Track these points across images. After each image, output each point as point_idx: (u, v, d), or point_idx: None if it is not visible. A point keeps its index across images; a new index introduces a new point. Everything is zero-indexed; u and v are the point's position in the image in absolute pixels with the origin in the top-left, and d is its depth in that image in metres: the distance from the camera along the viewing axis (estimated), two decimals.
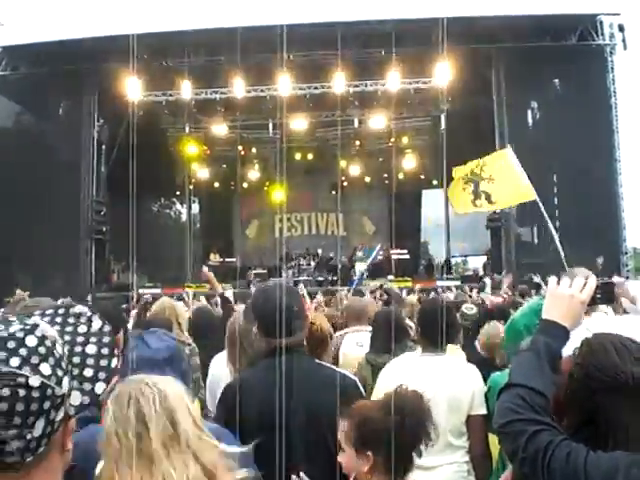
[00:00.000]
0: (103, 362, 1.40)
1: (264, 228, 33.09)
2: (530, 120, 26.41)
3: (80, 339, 1.40)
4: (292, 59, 24.21)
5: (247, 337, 3.84)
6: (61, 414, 1.28)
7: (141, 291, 22.17)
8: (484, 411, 4.21)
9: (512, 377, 2.21)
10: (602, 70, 24.90)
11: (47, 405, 1.23)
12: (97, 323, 1.45)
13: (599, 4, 24.31)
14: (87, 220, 26.13)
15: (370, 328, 6.19)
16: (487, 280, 14.68)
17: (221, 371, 4.57)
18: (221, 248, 30.66)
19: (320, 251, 29.13)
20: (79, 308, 1.48)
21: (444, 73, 23.30)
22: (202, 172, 30.54)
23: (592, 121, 23.98)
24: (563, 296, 2.32)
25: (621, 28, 24.68)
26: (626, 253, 24.34)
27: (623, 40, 24.73)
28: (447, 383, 4.21)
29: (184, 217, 34.05)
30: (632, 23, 25.48)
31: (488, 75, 25.25)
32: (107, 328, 1.45)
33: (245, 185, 30.90)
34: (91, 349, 1.39)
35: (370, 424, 2.46)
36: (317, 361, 3.33)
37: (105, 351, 1.41)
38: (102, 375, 1.38)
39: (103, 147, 27.41)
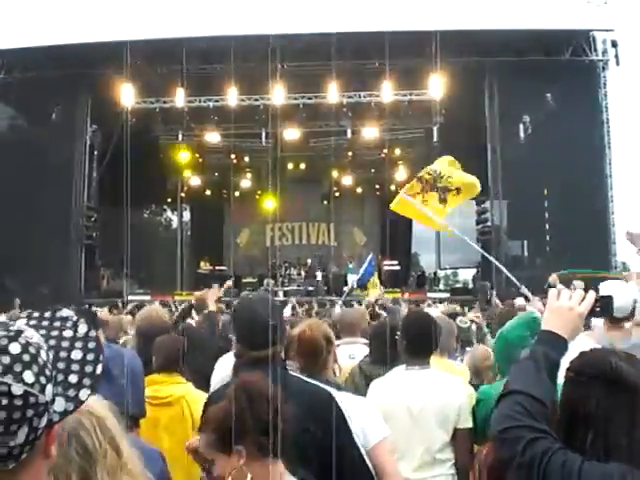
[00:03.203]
0: (88, 368, 1.37)
1: (255, 237, 33.08)
2: (522, 134, 26.50)
3: (65, 344, 1.38)
4: (286, 69, 24.27)
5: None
6: (44, 421, 1.26)
7: (131, 297, 22.12)
8: (470, 424, 4.22)
9: (512, 384, 2.24)
10: (595, 85, 25.09)
11: (30, 413, 1.22)
12: (83, 328, 1.42)
13: (593, 20, 24.47)
14: (77, 226, 26.05)
15: (363, 340, 6.20)
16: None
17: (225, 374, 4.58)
18: (211, 256, 30.62)
19: (310, 261, 29.12)
20: (65, 312, 1.46)
21: (437, 86, 23.42)
22: (194, 180, 30.49)
23: (584, 136, 24.14)
24: (562, 308, 2.36)
25: (614, 44, 24.88)
26: (616, 267, 24.42)
27: (616, 56, 24.94)
28: (434, 397, 4.22)
29: (175, 224, 34.02)
30: (625, 39, 25.68)
31: (481, 88, 25.35)
32: (93, 333, 1.43)
33: (237, 194, 30.85)
34: (76, 354, 1.37)
35: (224, 422, 2.41)
36: (293, 374, 3.27)
37: (90, 357, 1.39)
38: (87, 381, 1.36)
39: (95, 153, 27.37)
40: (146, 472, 1.90)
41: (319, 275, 27.89)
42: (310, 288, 26.15)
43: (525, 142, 26.15)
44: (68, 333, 1.40)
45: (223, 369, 4.95)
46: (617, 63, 25.09)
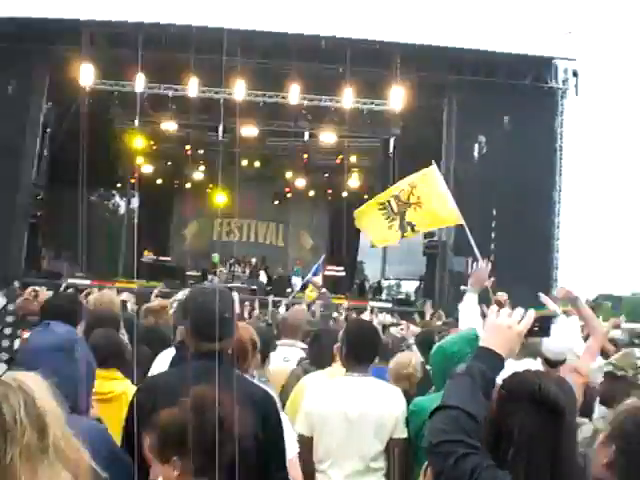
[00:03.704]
0: (5, 342, 1.33)
1: (202, 230, 32.83)
2: (476, 153, 26.76)
3: None
4: (249, 65, 24.15)
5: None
6: None
7: (71, 281, 21.76)
8: (405, 435, 4.20)
9: (447, 399, 2.23)
10: (552, 112, 25.51)
11: None
12: (1, 301, 1.38)
13: (556, 48, 24.90)
14: (23, 203, 25.56)
15: (301, 345, 6.19)
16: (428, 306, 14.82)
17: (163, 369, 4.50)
18: (156, 246, 30.30)
19: (254, 260, 29.01)
20: None
21: (398, 97, 23.55)
22: (146, 167, 30.09)
23: (537, 161, 24.54)
24: (501, 326, 2.37)
25: (575, 73, 25.34)
26: (555, 294, 24.79)
27: (576, 85, 25.40)
28: (372, 405, 4.21)
29: (122, 210, 33.62)
30: (586, 70, 26.19)
31: (440, 104, 25.59)
32: (11, 307, 1.38)
33: (188, 185, 30.54)
34: None
35: (167, 430, 2.38)
36: (237, 372, 3.20)
37: (7, 331, 1.34)
38: (4, 356, 1.32)
39: (48, 130, 26.88)
40: (84, 457, 1.81)
41: (263, 275, 27.82)
42: (253, 287, 26.04)
43: (479, 161, 26.40)
44: None
45: (163, 362, 4.90)
46: (576, 93, 25.57)
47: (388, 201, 8.86)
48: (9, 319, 1.26)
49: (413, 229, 8.70)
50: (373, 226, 9.16)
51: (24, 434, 1.66)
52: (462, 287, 7.43)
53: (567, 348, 4.61)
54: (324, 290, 16.45)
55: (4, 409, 1.67)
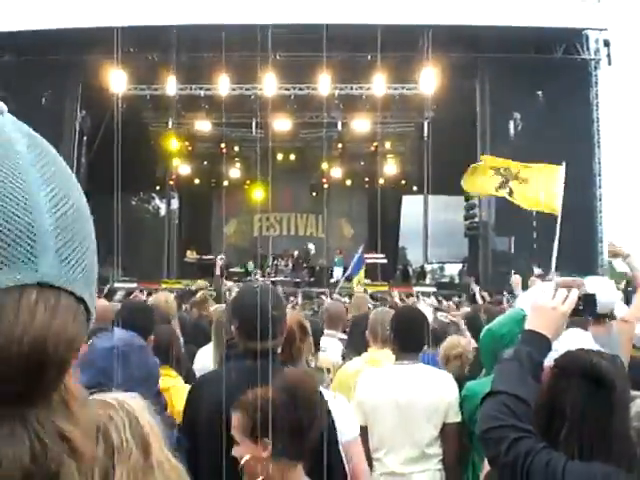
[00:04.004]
0: None
1: (243, 227, 33.02)
2: (512, 131, 26.53)
3: None
4: (278, 59, 24.21)
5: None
6: None
7: (117, 285, 22.04)
8: (459, 419, 4.21)
9: (496, 384, 2.24)
10: (586, 84, 25.14)
11: None
12: None
13: (586, 19, 24.49)
14: None
15: (341, 335, 6.21)
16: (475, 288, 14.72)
17: (207, 364, 4.58)
18: (199, 245, 30.54)
19: (297, 252, 29.05)
20: None
21: (429, 80, 23.40)
22: (183, 168, 30.35)
23: (574, 134, 24.19)
24: (546, 308, 2.36)
25: (607, 43, 24.93)
26: (602, 266, 24.52)
27: (608, 55, 24.99)
28: (423, 391, 4.22)
29: (163, 212, 33.87)
30: (618, 39, 25.78)
31: (473, 84, 25.38)
32: None
33: (226, 183, 30.70)
34: None
35: (262, 410, 2.39)
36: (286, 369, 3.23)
37: None
38: None
39: (84, 138, 27.24)
40: (183, 476, 1.79)
41: (305, 267, 27.86)
42: (297, 280, 26.12)
43: (515, 139, 26.18)
44: None
45: (204, 357, 4.97)
46: (609, 62, 25.16)
47: (498, 167, 9.81)
48: None
49: (511, 195, 9.44)
50: (478, 176, 10.21)
51: (131, 454, 1.66)
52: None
53: (611, 302, 4.55)
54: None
55: (111, 430, 1.67)
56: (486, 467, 2.88)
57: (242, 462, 2.46)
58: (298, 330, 3.80)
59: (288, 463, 2.45)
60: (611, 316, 4.44)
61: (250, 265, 27.16)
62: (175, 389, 4.22)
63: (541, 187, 9.29)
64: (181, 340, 5.74)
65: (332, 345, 6.02)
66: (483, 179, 10.27)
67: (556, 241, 9.56)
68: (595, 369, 2.09)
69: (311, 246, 29.19)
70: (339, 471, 2.99)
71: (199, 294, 8.53)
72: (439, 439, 4.24)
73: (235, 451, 2.50)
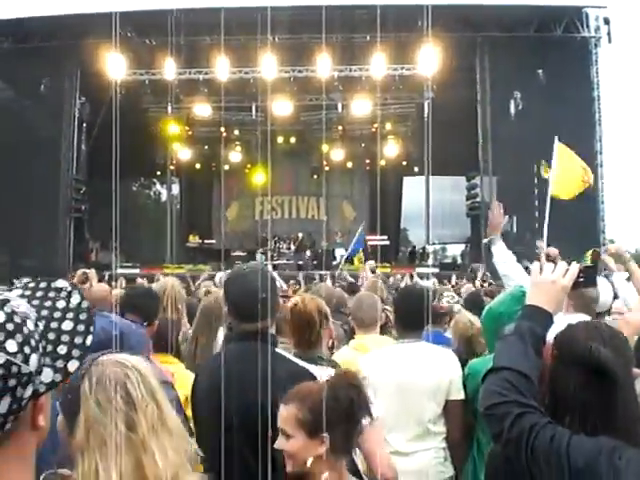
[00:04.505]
0: (78, 339, 1.36)
1: (244, 210, 33.00)
2: (513, 110, 26.47)
3: (57, 314, 1.37)
4: (277, 41, 24.10)
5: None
6: (29, 391, 1.24)
7: (119, 271, 22.07)
8: (462, 396, 4.21)
9: (497, 360, 2.23)
10: (586, 62, 25.06)
11: (12, 382, 1.20)
12: (76, 298, 1.41)
13: None
14: (66, 198, 25.99)
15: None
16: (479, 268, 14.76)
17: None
18: (200, 230, 30.60)
19: (301, 235, 29.08)
20: (61, 282, 1.45)
21: (429, 60, 23.29)
22: (183, 153, 30.32)
23: (575, 113, 24.13)
24: (546, 282, 2.35)
25: (606, 21, 24.82)
26: (604, 245, 24.51)
27: (608, 33, 24.88)
28: (426, 370, 4.22)
29: (164, 197, 33.94)
30: (618, 16, 25.66)
31: (473, 64, 25.31)
32: (85, 304, 1.42)
33: (226, 167, 30.68)
34: (67, 325, 1.36)
35: (324, 406, 2.38)
36: (279, 352, 3.19)
37: (81, 328, 1.38)
38: (76, 353, 1.35)
39: (84, 125, 27.21)
40: (185, 433, 1.93)
41: (309, 250, 27.87)
42: (300, 262, 26.16)
43: (516, 118, 26.14)
44: (61, 304, 1.39)
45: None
46: (609, 40, 25.05)
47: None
48: (82, 316, 1.30)
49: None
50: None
51: (147, 405, 1.81)
52: (484, 240, 7.43)
53: (610, 300, 4.58)
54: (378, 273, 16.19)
55: (129, 386, 1.81)
56: None
57: (308, 464, 2.45)
58: (317, 315, 3.78)
59: (339, 458, 2.49)
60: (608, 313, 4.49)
61: (259, 256, 27.15)
62: (179, 375, 4.22)
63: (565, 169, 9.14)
64: (187, 326, 5.76)
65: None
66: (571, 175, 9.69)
67: (547, 213, 9.40)
68: (594, 358, 2.05)
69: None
70: None
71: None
72: (443, 417, 4.25)
73: (280, 444, 2.50)
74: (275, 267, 23.38)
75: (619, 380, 2.04)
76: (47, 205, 24.92)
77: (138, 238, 29.20)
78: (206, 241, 29.96)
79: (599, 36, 24.96)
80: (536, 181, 24.77)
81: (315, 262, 26.36)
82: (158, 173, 32.83)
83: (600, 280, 4.50)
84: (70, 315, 1.38)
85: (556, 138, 9.11)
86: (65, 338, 1.35)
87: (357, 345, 4.96)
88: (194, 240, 29.40)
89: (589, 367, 2.05)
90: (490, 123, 24.57)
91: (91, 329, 1.40)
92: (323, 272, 19.31)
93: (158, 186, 35.51)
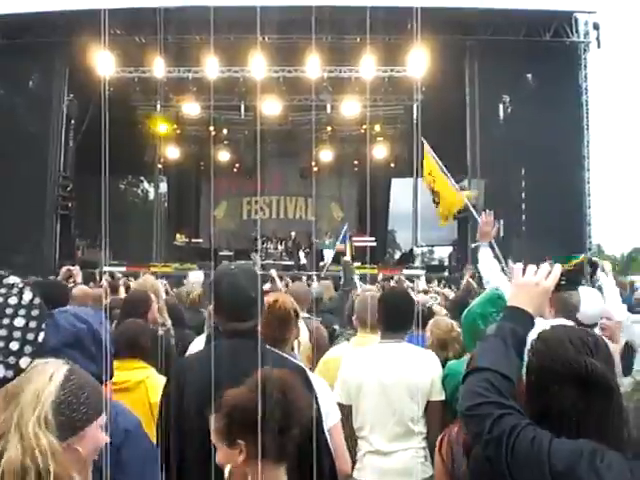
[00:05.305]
0: (30, 336, 1.35)
1: (232, 210, 32.93)
2: (501, 114, 26.55)
3: (9, 311, 1.36)
4: (266, 41, 24.05)
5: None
6: None
7: (106, 268, 21.98)
8: (442, 397, 4.25)
9: (478, 361, 2.22)
10: (575, 67, 25.15)
11: None
12: (28, 295, 1.40)
13: (575, 2, 24.50)
14: (53, 195, 25.85)
15: (305, 315, 6.23)
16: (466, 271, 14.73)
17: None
18: (188, 229, 30.51)
19: (293, 234, 29.01)
20: (12, 279, 1.43)
21: (418, 63, 23.31)
22: (171, 151, 30.22)
23: (563, 117, 24.22)
24: (528, 283, 2.35)
25: (596, 26, 24.91)
26: (590, 249, 24.63)
27: (597, 38, 24.97)
28: (407, 370, 4.25)
29: (151, 196, 33.79)
30: (607, 22, 25.80)
31: (462, 67, 25.33)
32: (37, 301, 1.40)
33: (214, 166, 30.67)
34: (19, 322, 1.35)
35: (237, 412, 2.26)
36: (269, 348, 3.17)
37: (33, 324, 1.36)
38: (28, 349, 1.34)
39: (72, 122, 27.07)
40: None
41: (302, 251, 27.80)
42: (289, 263, 26.13)
43: (504, 122, 26.22)
44: (13, 300, 1.38)
45: (199, 344, 4.97)
46: (598, 45, 25.12)
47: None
48: (34, 313, 1.28)
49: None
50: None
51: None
52: (472, 244, 7.37)
53: (600, 314, 4.63)
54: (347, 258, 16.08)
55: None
56: None
57: (226, 473, 2.38)
58: (293, 313, 3.79)
59: (269, 466, 2.28)
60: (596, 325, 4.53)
61: (254, 257, 27.07)
62: (150, 380, 4.13)
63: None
64: (168, 325, 5.70)
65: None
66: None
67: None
68: (591, 375, 2.03)
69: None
70: (327, 460, 2.94)
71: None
72: (423, 417, 4.27)
73: (217, 457, 2.36)
74: (263, 267, 23.33)
75: (615, 391, 2.04)
76: (34, 202, 24.77)
77: (125, 236, 29.06)
78: (193, 240, 29.88)
79: (588, 41, 25.04)
80: (523, 184, 24.89)
81: (304, 263, 26.33)
82: (146, 171, 32.73)
83: (589, 291, 4.54)
84: (22, 312, 1.36)
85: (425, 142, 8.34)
86: (17, 334, 1.33)
87: (356, 343, 5.05)
88: (181, 239, 29.30)
89: (585, 384, 2.04)
90: (479, 126, 24.59)
91: (43, 326, 1.38)
92: (311, 273, 19.29)
93: (146, 184, 35.45)
